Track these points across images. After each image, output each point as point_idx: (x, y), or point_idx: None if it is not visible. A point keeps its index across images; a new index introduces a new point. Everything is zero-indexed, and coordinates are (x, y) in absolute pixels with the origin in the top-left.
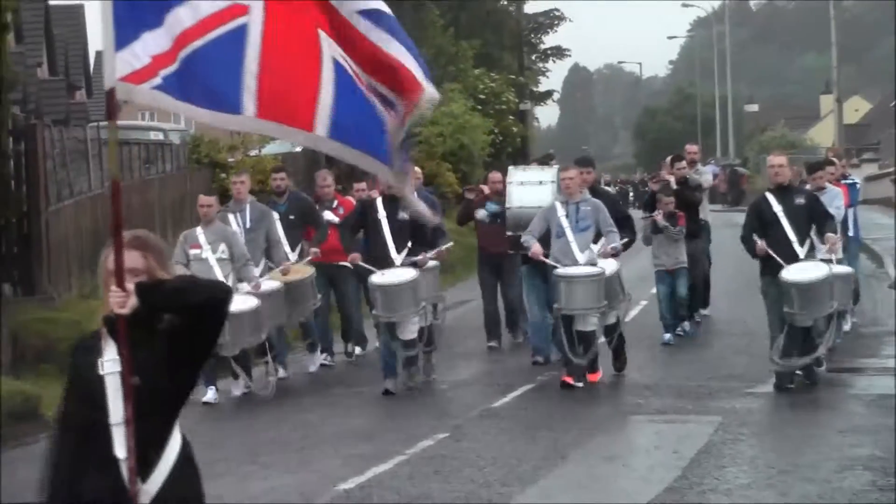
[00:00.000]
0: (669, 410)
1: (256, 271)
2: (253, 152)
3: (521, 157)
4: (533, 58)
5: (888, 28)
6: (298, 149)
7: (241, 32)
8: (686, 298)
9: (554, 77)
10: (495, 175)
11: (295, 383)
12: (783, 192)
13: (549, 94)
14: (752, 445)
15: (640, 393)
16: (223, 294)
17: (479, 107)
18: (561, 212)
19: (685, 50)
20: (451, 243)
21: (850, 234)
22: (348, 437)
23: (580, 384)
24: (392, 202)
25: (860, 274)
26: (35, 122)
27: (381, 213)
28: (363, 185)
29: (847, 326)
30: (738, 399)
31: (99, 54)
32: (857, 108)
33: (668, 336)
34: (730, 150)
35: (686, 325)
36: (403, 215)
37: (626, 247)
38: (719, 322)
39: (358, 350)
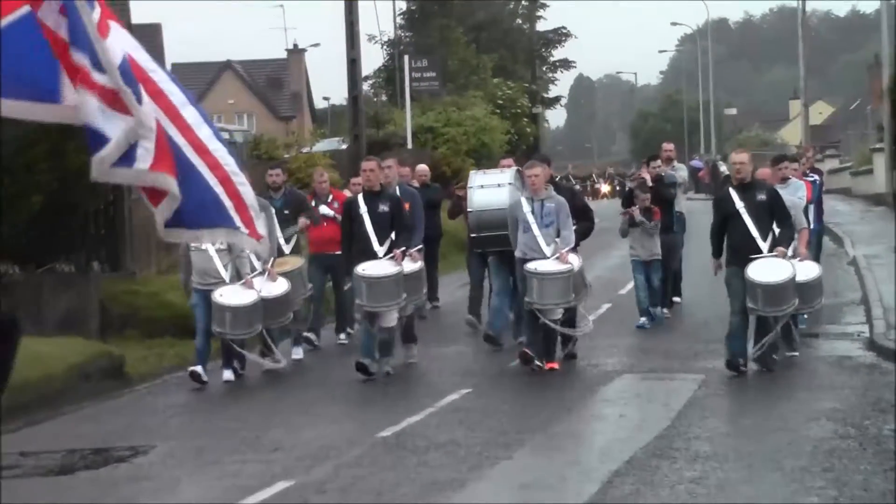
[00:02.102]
0: (659, 370)
1: (258, 264)
2: (305, 149)
3: (535, 152)
4: (543, 69)
5: (845, 46)
6: (344, 146)
7: (30, 18)
8: (659, 288)
9: (561, 85)
10: None
11: (336, 350)
12: (745, 188)
13: (557, 99)
14: (730, 400)
15: (634, 355)
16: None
17: (498, 111)
18: (527, 208)
19: (674, 62)
20: (420, 246)
21: (812, 226)
22: (385, 393)
23: (552, 365)
24: (372, 197)
25: (822, 255)
26: None
27: (363, 209)
28: (359, 179)
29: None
30: (718, 360)
31: (174, 66)
32: (820, 112)
33: (643, 320)
34: (712, 147)
35: (658, 310)
36: (384, 209)
37: (585, 234)
38: (702, 295)
39: (348, 332)
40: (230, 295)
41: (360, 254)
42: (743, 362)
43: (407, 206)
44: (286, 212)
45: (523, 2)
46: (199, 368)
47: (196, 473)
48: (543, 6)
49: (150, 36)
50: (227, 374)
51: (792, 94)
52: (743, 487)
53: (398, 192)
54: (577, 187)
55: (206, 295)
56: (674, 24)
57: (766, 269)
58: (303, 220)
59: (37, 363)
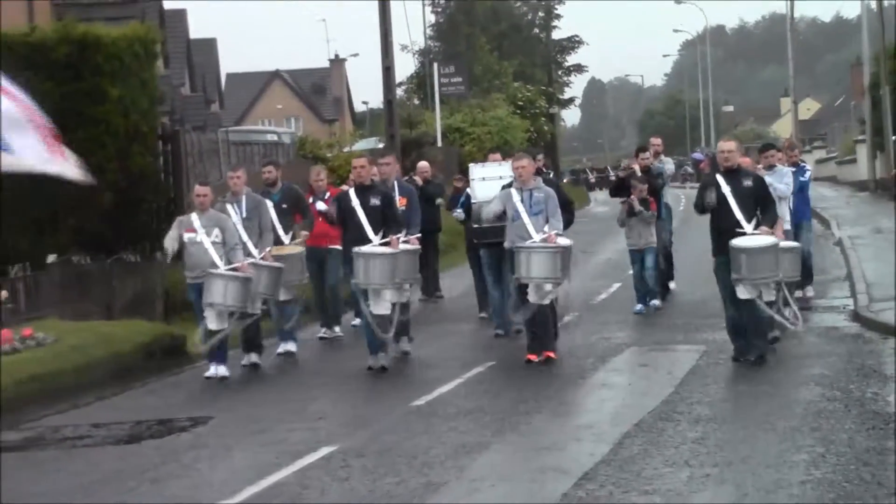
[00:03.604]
0: (664, 341)
1: (255, 251)
2: (346, 149)
3: (552, 148)
4: (559, 73)
5: (830, 48)
6: (381, 145)
7: None
8: (652, 269)
9: (575, 87)
10: None
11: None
12: (732, 174)
13: (571, 100)
14: (728, 368)
15: (641, 329)
16: None
17: (519, 111)
18: (516, 197)
19: (676, 65)
20: (418, 234)
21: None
22: (418, 366)
23: (540, 358)
24: (363, 191)
25: (812, 235)
26: (179, 129)
27: (355, 202)
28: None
29: (806, 293)
30: (717, 332)
31: (228, 76)
32: (808, 108)
33: (639, 307)
34: (711, 141)
35: (655, 302)
36: (375, 202)
37: (567, 226)
38: (698, 275)
39: (338, 329)
40: (227, 270)
41: (355, 243)
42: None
43: (404, 200)
44: (284, 206)
45: (540, 13)
46: (212, 370)
47: (249, 440)
48: (558, 17)
49: (206, 49)
50: (253, 358)
51: (783, 92)
52: (740, 446)
53: (396, 188)
54: (593, 179)
55: (201, 289)
56: (676, 31)
57: (749, 239)
58: (304, 234)
59: (107, 343)
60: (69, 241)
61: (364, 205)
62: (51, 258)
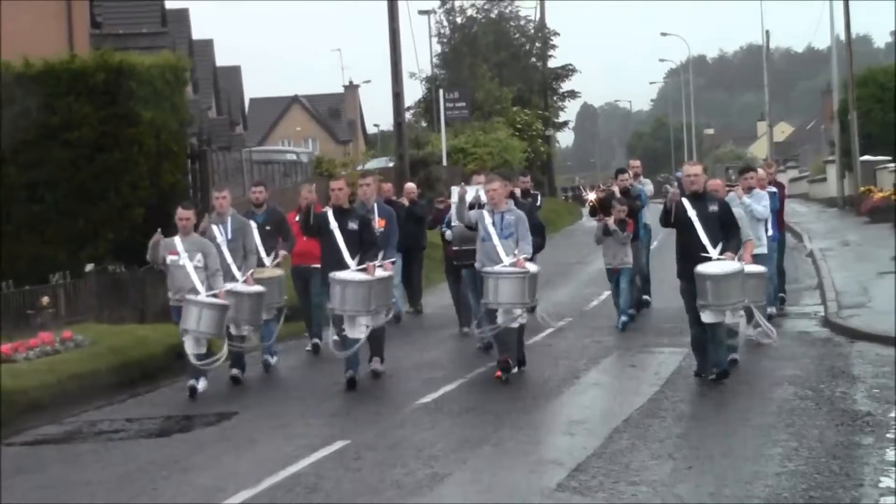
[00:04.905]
0: (651, 345)
1: (238, 274)
2: (359, 167)
3: (548, 167)
4: (554, 98)
5: (803, 76)
6: (391, 164)
7: None
8: (627, 289)
9: (569, 112)
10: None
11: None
12: (698, 198)
13: (566, 123)
14: None
15: (629, 333)
16: None
17: (517, 133)
18: (488, 220)
19: (662, 91)
20: (393, 258)
21: (770, 234)
22: (424, 367)
23: (507, 375)
24: (342, 214)
25: (786, 249)
26: (206, 149)
27: (333, 224)
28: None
29: (772, 310)
30: None
31: (252, 100)
32: (783, 131)
33: (623, 319)
34: (694, 160)
35: (627, 314)
36: (353, 227)
37: (537, 250)
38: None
39: (317, 341)
40: (204, 297)
41: (333, 265)
42: (712, 371)
43: (383, 222)
44: (267, 227)
45: (537, 43)
46: (193, 382)
47: (270, 434)
48: (554, 47)
49: (231, 76)
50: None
51: (759, 116)
52: (720, 441)
53: (376, 209)
54: (586, 196)
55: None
56: (661, 60)
57: (714, 265)
58: (283, 253)
59: (140, 345)
60: (106, 251)
61: (342, 228)
62: (89, 267)
